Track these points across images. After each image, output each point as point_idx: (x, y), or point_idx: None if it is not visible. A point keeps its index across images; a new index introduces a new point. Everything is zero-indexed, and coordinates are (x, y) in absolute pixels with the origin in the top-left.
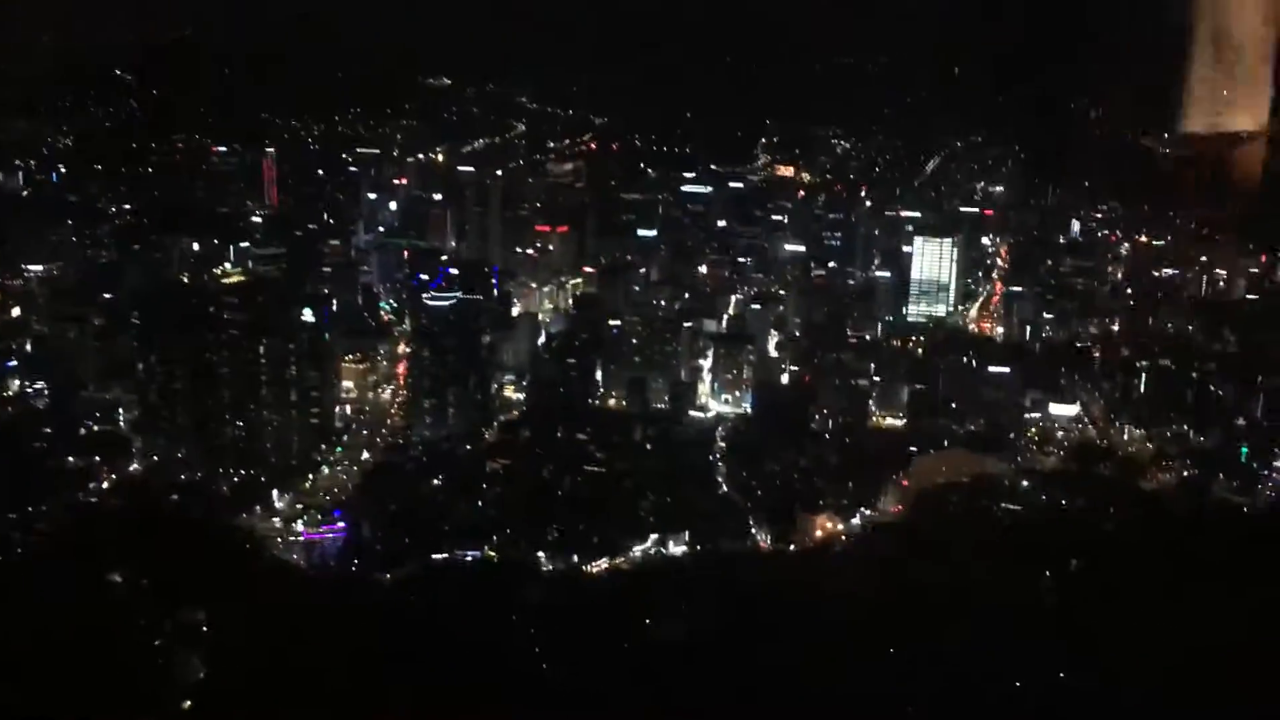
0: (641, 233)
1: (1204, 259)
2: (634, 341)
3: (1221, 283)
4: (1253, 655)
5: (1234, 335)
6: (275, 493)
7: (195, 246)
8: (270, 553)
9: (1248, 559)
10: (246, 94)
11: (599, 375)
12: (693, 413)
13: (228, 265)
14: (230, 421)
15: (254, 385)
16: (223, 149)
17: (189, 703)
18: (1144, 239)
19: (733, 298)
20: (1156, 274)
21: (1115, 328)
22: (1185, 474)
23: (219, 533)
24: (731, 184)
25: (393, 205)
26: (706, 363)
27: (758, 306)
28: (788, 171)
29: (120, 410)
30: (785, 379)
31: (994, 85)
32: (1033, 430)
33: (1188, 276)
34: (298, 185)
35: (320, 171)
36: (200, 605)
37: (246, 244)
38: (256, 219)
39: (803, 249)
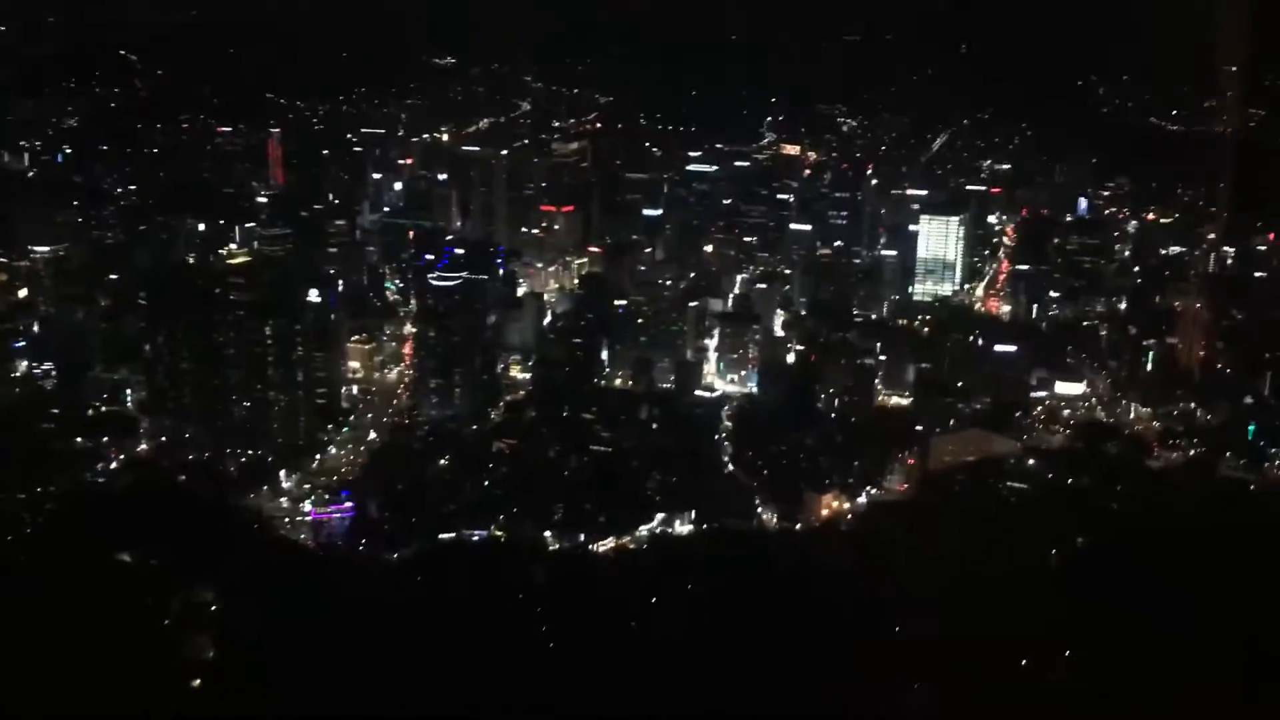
0: (647, 212)
1: (1212, 236)
2: (639, 321)
3: (1229, 260)
4: (1259, 633)
5: (1241, 313)
6: (283, 473)
7: (201, 227)
8: (278, 532)
9: (1253, 537)
10: (252, 74)
11: (604, 355)
12: (698, 392)
13: (233, 245)
14: (237, 402)
15: (260, 365)
16: (228, 129)
17: (198, 680)
18: (1152, 216)
19: (738, 277)
20: (1164, 251)
21: (1122, 305)
22: (1192, 452)
23: (227, 512)
24: (737, 163)
25: (398, 185)
26: (712, 342)
27: (763, 285)
28: (794, 150)
29: (128, 391)
30: (791, 358)
31: (1001, 62)
32: (1039, 409)
33: (1195, 254)
34: (303, 165)
35: (325, 152)
36: (208, 585)
37: (252, 224)
38: (262, 199)
39: (809, 228)
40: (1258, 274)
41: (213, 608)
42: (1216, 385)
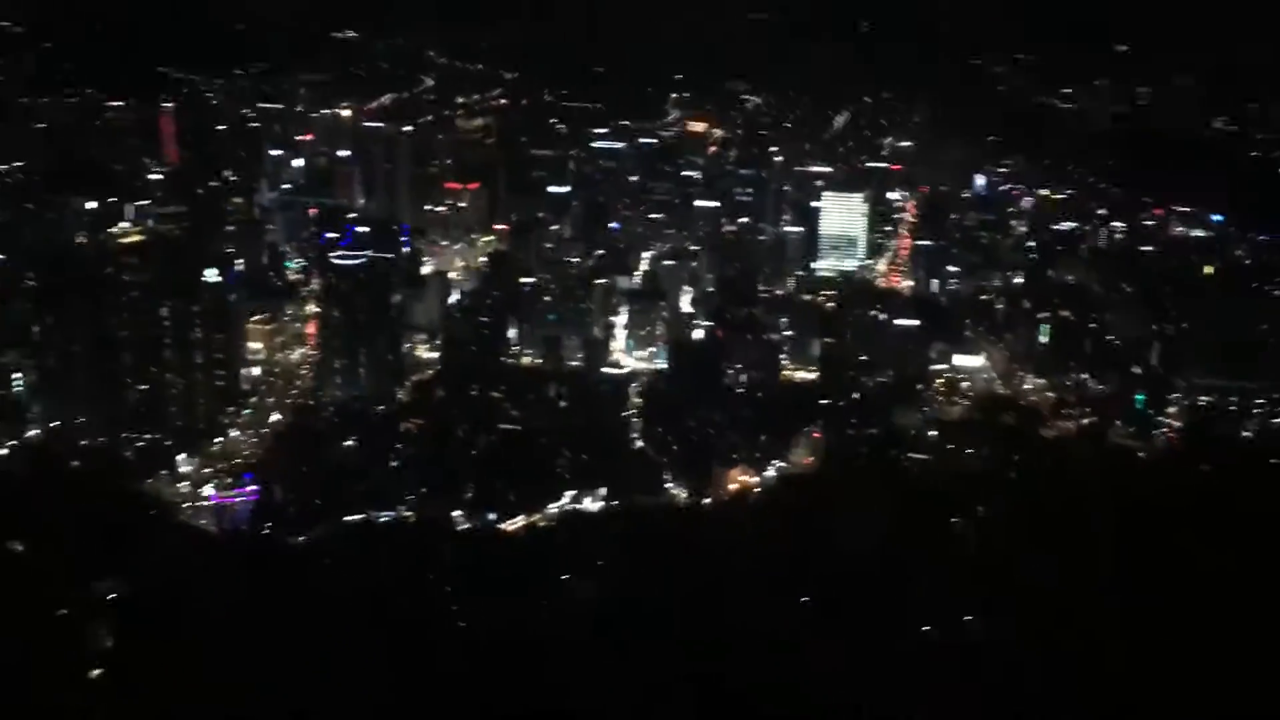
0: (553, 189)
1: (1102, 212)
2: (547, 299)
3: (1119, 235)
4: (1148, 595)
5: (1130, 286)
6: (182, 456)
7: (91, 205)
8: (178, 518)
9: (1141, 504)
10: (143, 47)
11: (512, 333)
12: (607, 369)
13: (125, 225)
14: (132, 385)
15: (157, 347)
16: (118, 104)
17: (97, 671)
18: (1045, 192)
19: (646, 254)
20: (1057, 227)
21: (1018, 280)
22: (1085, 421)
23: (124, 499)
24: (643, 140)
25: (298, 162)
26: (620, 319)
27: (671, 262)
28: (700, 127)
29: (17, 375)
30: (699, 334)
31: (901, 41)
32: (939, 381)
33: (1087, 229)
34: (198, 141)
35: (222, 127)
36: (105, 573)
37: (145, 202)
38: (155, 176)
39: (715, 204)
40: (1145, 248)
41: (110, 596)
42: (1107, 356)
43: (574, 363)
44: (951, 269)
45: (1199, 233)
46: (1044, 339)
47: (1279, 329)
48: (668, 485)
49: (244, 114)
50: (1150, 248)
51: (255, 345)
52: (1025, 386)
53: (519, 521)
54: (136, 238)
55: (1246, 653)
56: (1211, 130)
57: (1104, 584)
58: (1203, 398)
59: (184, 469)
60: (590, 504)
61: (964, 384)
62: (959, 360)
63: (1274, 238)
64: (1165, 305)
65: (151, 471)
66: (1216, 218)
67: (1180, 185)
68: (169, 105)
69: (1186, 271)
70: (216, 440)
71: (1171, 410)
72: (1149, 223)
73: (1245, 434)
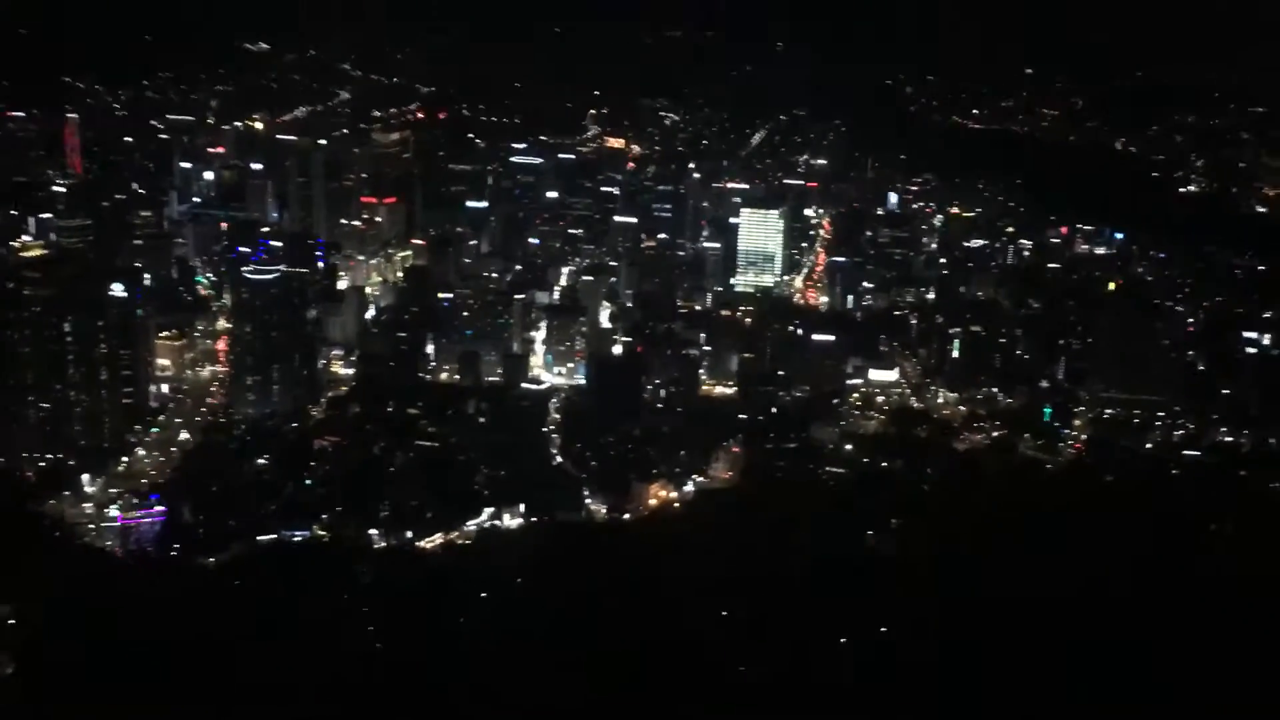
0: (471, 204)
1: (1010, 230)
2: (465, 314)
3: (1026, 252)
4: (1058, 601)
5: (1037, 302)
6: (86, 477)
7: None
8: (81, 540)
9: (1050, 514)
10: (45, 55)
11: (430, 349)
12: (526, 385)
13: (28, 238)
14: (34, 404)
15: (60, 365)
16: (19, 114)
17: None
18: (956, 210)
19: (564, 269)
20: (968, 244)
21: (930, 296)
22: (995, 434)
23: (24, 521)
24: (562, 155)
25: (209, 175)
26: (539, 334)
27: (590, 278)
28: (618, 143)
29: None
30: (618, 349)
31: (816, 61)
32: (855, 396)
33: (996, 246)
34: (104, 153)
35: (129, 139)
36: (6, 598)
37: (49, 215)
38: (59, 188)
39: (633, 220)
40: (1051, 265)
41: (9, 621)
42: (1016, 371)
43: (493, 378)
44: (866, 285)
45: (1101, 250)
46: (956, 354)
47: (1179, 343)
48: (588, 501)
49: (152, 125)
50: (1055, 264)
51: (164, 362)
52: (938, 400)
53: (437, 539)
54: (39, 251)
55: (1150, 652)
56: (1112, 150)
57: (1016, 592)
58: (1107, 410)
59: (89, 489)
60: (509, 520)
61: (879, 398)
62: (874, 375)
63: (1172, 254)
64: (1070, 320)
65: (54, 492)
66: (1118, 235)
67: (1083, 203)
68: (73, 116)
69: (1090, 287)
70: (123, 460)
71: (1077, 423)
72: (1054, 240)
73: (1148, 445)
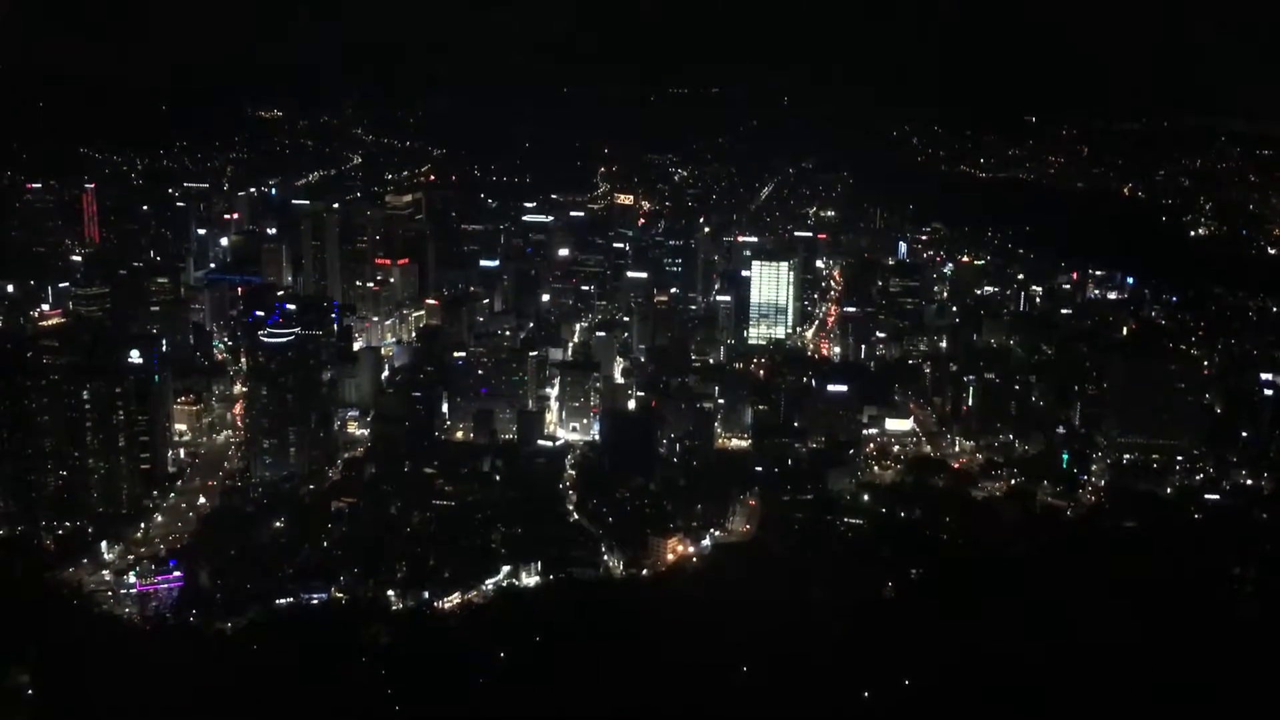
0: (484, 263)
1: (1021, 277)
2: (479, 372)
3: (1037, 299)
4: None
5: (1050, 348)
6: (104, 543)
7: (10, 289)
8: (100, 607)
9: (1070, 560)
10: (62, 127)
11: (445, 408)
12: (541, 441)
13: (45, 307)
14: (53, 471)
15: (78, 431)
16: (37, 185)
17: None
18: (966, 259)
19: (577, 325)
20: (979, 291)
21: (943, 344)
22: (1013, 481)
23: (42, 589)
24: (573, 213)
25: (225, 240)
26: (553, 391)
27: (602, 333)
28: (628, 199)
29: None
30: (632, 404)
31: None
32: (871, 445)
33: (1007, 293)
34: (120, 221)
35: (145, 207)
36: (23, 666)
37: (66, 284)
38: (77, 257)
39: (645, 275)
40: (1063, 310)
41: (29, 691)
42: (1031, 417)
43: (508, 436)
44: (878, 334)
45: (1113, 294)
46: (970, 401)
47: (1194, 386)
48: (605, 557)
49: (168, 193)
50: (1067, 310)
51: (181, 426)
52: (954, 448)
53: (454, 599)
54: (57, 320)
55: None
56: (1120, 195)
57: (1040, 638)
58: (1125, 455)
59: (107, 556)
60: (527, 578)
61: (894, 447)
62: (890, 424)
63: (1184, 297)
64: (1085, 366)
65: (72, 560)
66: (1129, 279)
67: (1093, 249)
68: (90, 186)
69: (1103, 332)
70: (141, 525)
71: (1094, 468)
72: (1066, 286)
73: (1168, 489)
